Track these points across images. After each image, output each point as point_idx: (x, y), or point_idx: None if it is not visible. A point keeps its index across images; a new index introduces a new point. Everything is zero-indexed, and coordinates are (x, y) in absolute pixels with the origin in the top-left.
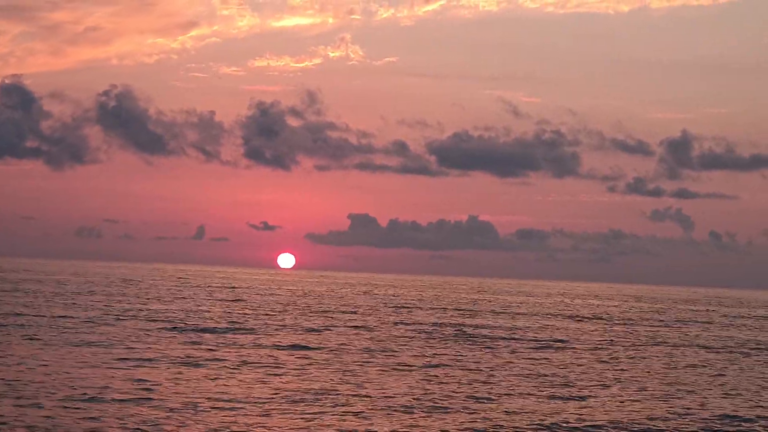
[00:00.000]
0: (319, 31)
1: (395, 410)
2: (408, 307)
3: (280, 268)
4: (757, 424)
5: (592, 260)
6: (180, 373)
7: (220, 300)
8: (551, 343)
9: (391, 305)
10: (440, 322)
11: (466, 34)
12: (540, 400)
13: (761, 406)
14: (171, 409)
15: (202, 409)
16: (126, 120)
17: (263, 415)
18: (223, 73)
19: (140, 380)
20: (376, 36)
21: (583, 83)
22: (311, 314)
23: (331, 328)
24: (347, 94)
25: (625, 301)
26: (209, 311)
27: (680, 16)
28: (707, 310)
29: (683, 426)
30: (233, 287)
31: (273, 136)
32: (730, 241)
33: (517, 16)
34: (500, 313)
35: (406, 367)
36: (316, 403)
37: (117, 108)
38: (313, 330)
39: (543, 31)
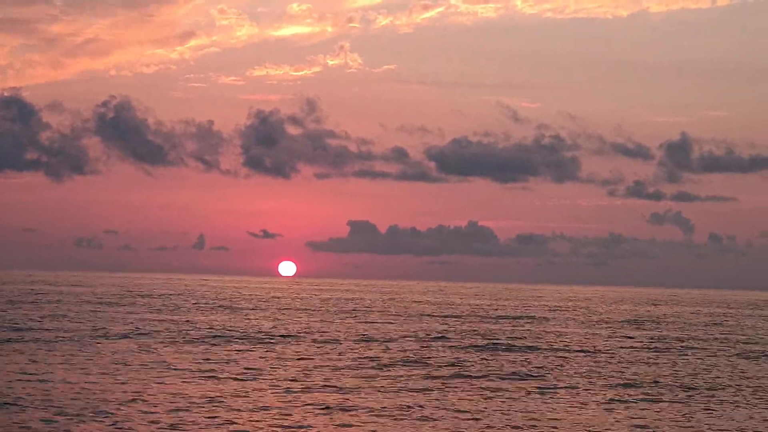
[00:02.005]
0: (318, 40)
1: None
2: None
3: (281, 276)
4: None
5: (592, 264)
6: None
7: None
8: None
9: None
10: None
11: (465, 40)
12: None
13: None
14: None
15: None
16: (125, 131)
17: None
18: (222, 83)
19: None
20: (374, 44)
21: (582, 88)
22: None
23: None
24: (346, 102)
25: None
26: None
27: (679, 19)
28: None
29: None
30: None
31: (272, 145)
32: (729, 243)
33: (516, 22)
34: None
35: None
36: None
37: (116, 119)
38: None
39: (541, 36)
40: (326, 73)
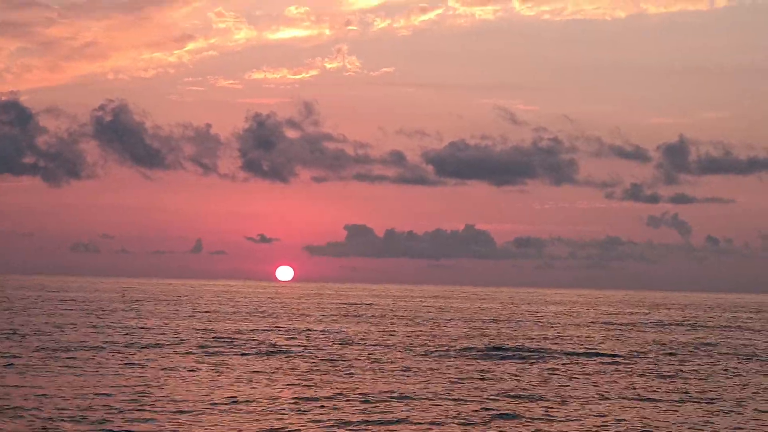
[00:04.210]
0: (316, 43)
1: None
2: None
3: (278, 281)
4: None
5: (589, 267)
6: None
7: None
8: None
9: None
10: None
11: (463, 43)
12: None
13: None
14: None
15: None
16: (122, 134)
17: None
18: (220, 86)
19: None
20: (372, 47)
21: (580, 90)
22: None
23: None
24: (344, 105)
25: None
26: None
27: (677, 21)
28: None
29: None
30: None
31: (270, 148)
32: (727, 246)
33: (513, 24)
34: None
35: None
36: None
37: (113, 122)
38: None
39: (539, 38)
40: (324, 76)
